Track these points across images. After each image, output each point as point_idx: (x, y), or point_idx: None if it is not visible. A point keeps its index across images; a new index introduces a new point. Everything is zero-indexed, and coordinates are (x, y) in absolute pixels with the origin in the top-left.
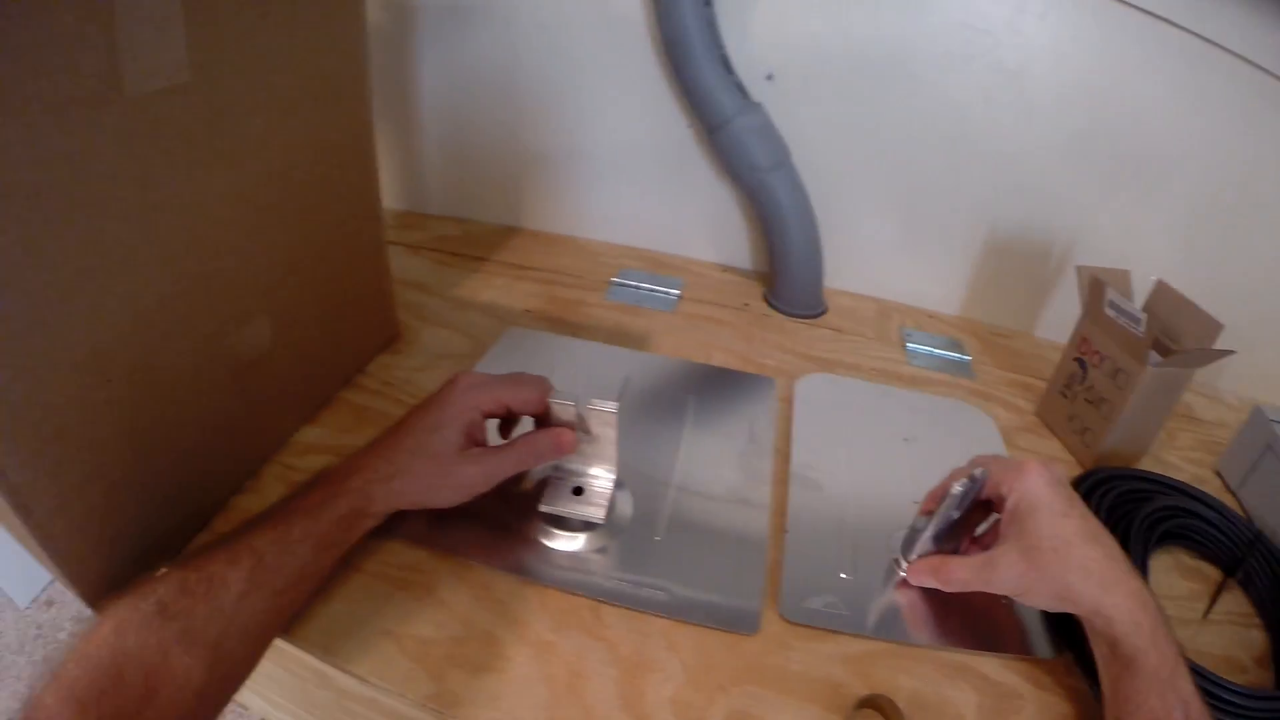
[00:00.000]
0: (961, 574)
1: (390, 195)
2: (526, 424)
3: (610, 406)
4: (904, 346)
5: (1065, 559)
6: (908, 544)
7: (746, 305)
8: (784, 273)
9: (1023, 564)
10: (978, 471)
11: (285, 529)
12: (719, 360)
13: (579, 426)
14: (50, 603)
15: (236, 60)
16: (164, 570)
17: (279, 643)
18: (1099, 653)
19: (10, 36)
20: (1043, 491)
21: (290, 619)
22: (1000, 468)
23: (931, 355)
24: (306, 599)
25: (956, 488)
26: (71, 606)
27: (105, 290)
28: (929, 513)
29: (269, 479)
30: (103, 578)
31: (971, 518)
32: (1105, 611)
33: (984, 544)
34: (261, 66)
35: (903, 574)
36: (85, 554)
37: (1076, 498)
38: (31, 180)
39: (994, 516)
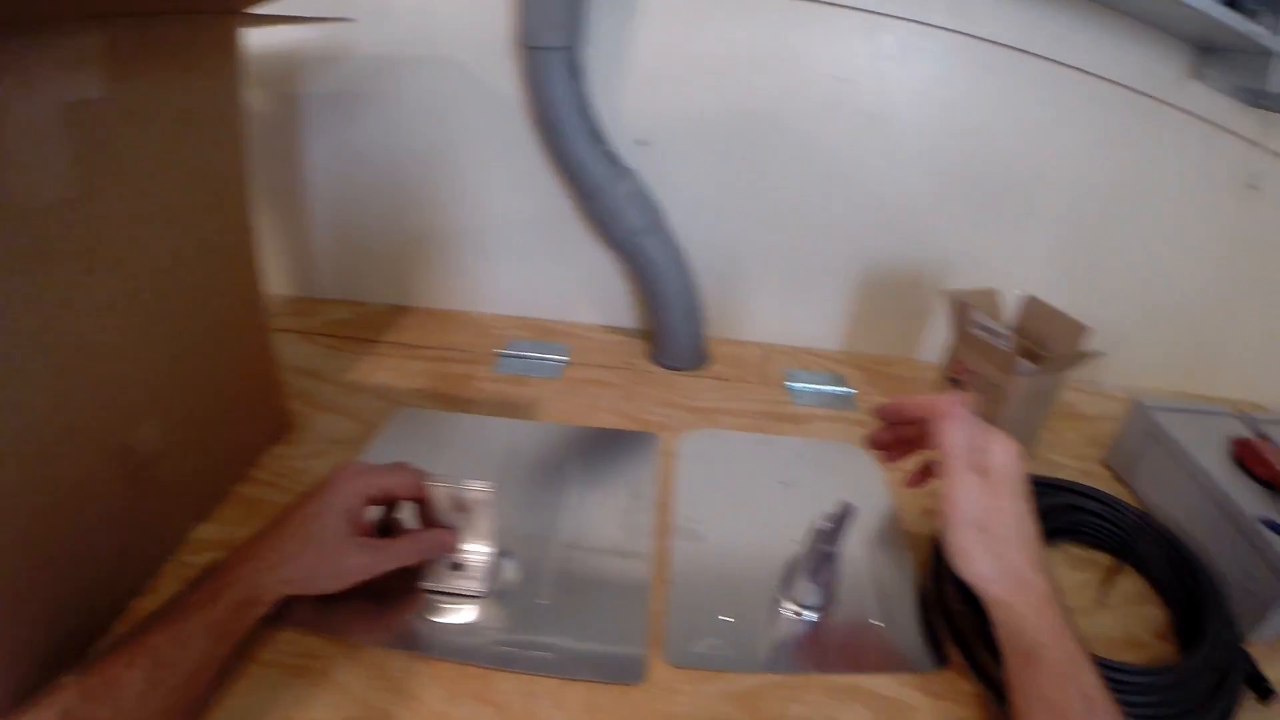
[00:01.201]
0: (957, 449)
1: (282, 281)
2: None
3: (483, 487)
4: (787, 388)
5: (1002, 546)
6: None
7: (631, 364)
8: (665, 329)
9: (972, 532)
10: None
11: (180, 625)
12: (603, 421)
13: (456, 506)
14: None
15: (120, 173)
16: (66, 679)
17: None
18: (1004, 641)
19: None
20: (1015, 470)
21: (192, 712)
22: (976, 426)
23: (815, 392)
24: (207, 691)
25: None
26: None
27: None
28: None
29: (168, 579)
30: (6, 689)
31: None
32: (1016, 606)
33: (925, 474)
34: (144, 177)
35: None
36: None
37: (1029, 492)
38: None
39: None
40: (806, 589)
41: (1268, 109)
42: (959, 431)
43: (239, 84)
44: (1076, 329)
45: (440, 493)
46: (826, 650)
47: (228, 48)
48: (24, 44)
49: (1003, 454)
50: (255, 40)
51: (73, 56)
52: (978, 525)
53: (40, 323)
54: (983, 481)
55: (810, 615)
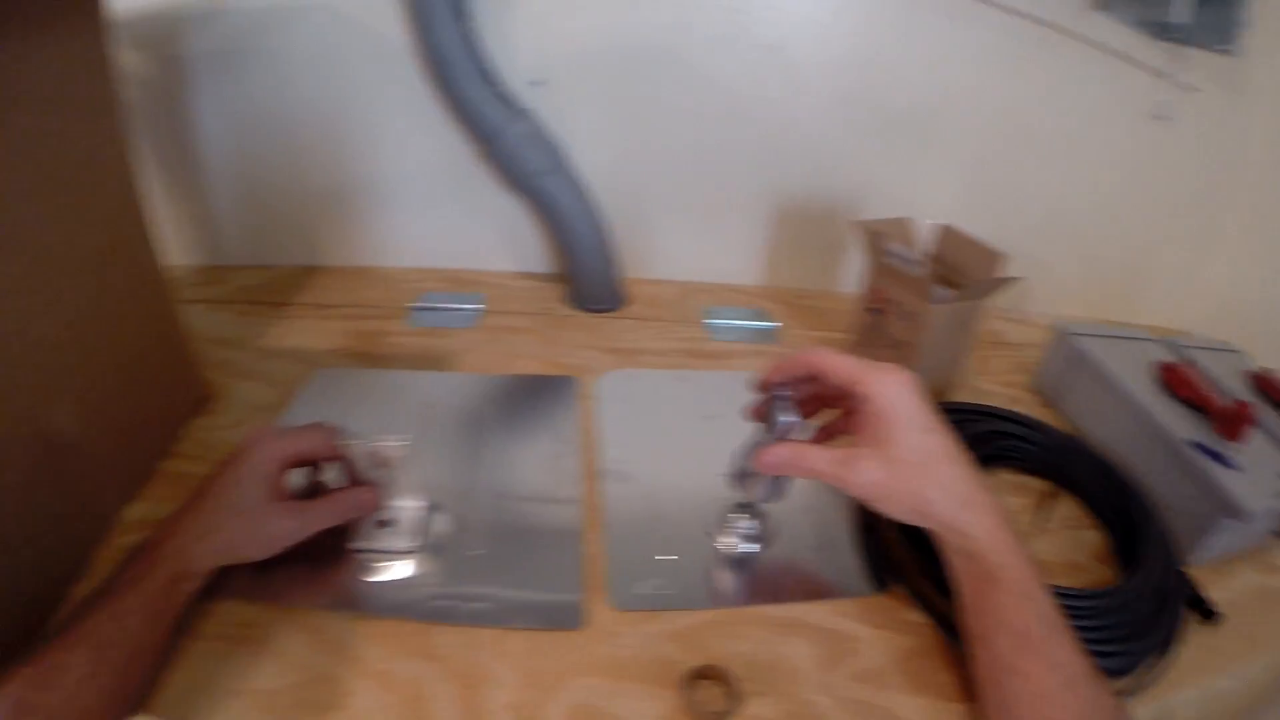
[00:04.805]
0: (819, 464)
1: (189, 252)
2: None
3: (395, 442)
4: (708, 324)
5: (926, 474)
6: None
7: (548, 309)
8: (578, 271)
9: (882, 472)
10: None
11: (116, 603)
12: (521, 368)
13: (377, 463)
14: None
15: None
16: (14, 669)
17: None
18: (959, 567)
19: None
20: (908, 402)
21: (139, 692)
22: (860, 366)
23: (734, 328)
24: (151, 670)
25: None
26: None
27: None
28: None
29: (102, 563)
30: None
31: (805, 408)
32: (964, 528)
33: (830, 431)
34: (10, 156)
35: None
36: None
37: (938, 415)
38: None
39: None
40: (745, 522)
41: (1174, 41)
42: (849, 368)
43: (108, 50)
44: (992, 256)
45: (358, 451)
46: (768, 582)
47: (91, 11)
48: None
49: (897, 382)
50: (126, 2)
51: None
52: (917, 462)
53: None
54: (898, 416)
55: (750, 547)
